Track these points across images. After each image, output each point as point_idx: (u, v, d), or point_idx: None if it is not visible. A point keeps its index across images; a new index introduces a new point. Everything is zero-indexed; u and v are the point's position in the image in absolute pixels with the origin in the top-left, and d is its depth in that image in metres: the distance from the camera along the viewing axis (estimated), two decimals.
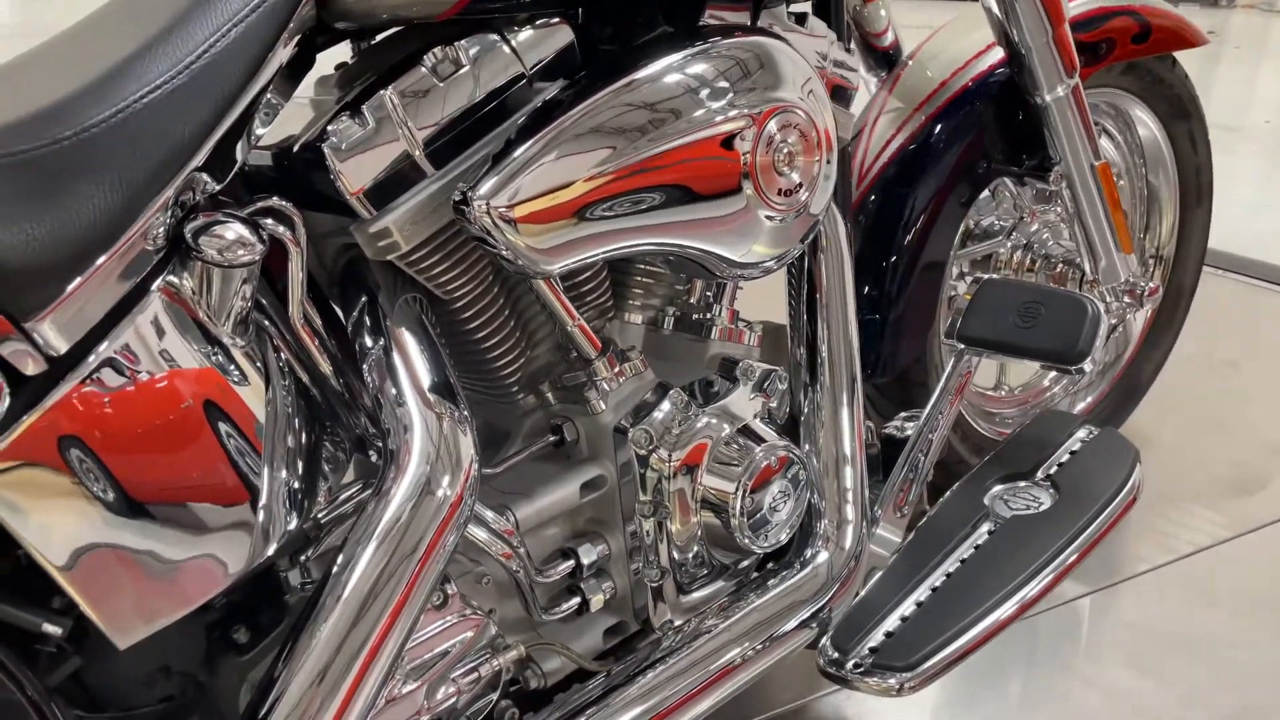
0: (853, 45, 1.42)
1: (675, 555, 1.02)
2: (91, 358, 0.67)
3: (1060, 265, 1.66)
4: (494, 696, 0.92)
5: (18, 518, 0.64)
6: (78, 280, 0.65)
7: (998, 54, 1.45)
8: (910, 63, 1.54)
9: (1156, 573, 1.66)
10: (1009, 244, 1.66)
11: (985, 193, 1.60)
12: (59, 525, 0.66)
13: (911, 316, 1.49)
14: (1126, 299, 1.63)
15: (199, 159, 0.72)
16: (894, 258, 1.47)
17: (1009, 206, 1.66)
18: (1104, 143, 1.73)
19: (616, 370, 1.00)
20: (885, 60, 1.57)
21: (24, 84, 0.72)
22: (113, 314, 0.68)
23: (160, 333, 0.70)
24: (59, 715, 0.71)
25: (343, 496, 0.85)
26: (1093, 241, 1.55)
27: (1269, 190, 3.48)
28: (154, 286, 0.70)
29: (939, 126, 1.48)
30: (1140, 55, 1.60)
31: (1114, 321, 1.83)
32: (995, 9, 1.38)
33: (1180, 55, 1.72)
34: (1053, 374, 1.84)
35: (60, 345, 0.65)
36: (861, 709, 1.37)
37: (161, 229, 0.71)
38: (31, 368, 0.63)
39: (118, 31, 0.73)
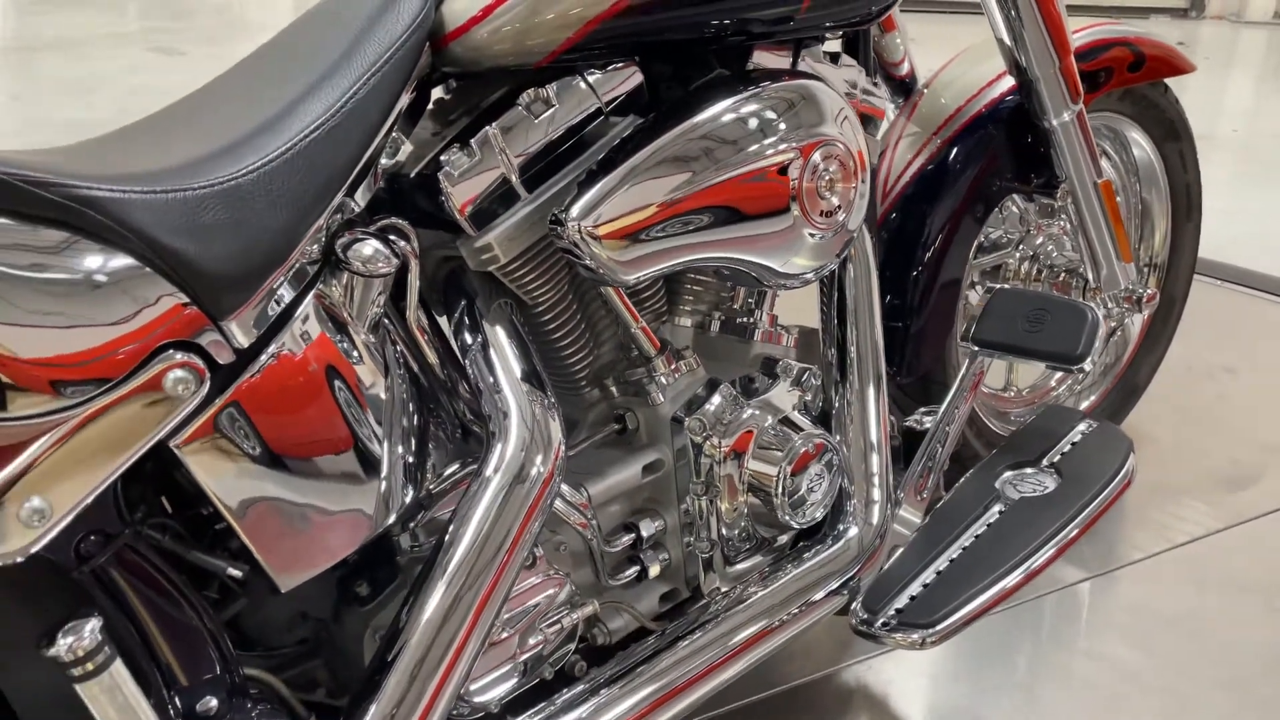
0: (878, 77, 1.57)
1: (723, 530, 1.17)
2: (265, 354, 0.81)
3: (1064, 274, 1.79)
4: (571, 647, 1.06)
5: (212, 479, 0.79)
6: (259, 288, 0.79)
7: (1007, 82, 1.58)
8: (926, 90, 1.67)
9: (1153, 559, 1.79)
10: (1017, 255, 1.80)
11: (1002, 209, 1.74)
12: (239, 487, 0.80)
13: (932, 324, 1.62)
14: (1126, 305, 1.76)
15: (347, 185, 0.86)
16: (915, 271, 1.60)
17: (1016, 221, 1.80)
18: (1104, 163, 1.87)
19: (673, 367, 1.14)
20: (902, 88, 1.70)
21: (208, 121, 0.86)
22: (281, 316, 0.82)
23: (315, 332, 0.84)
24: (229, 646, 0.85)
25: (448, 473, 0.99)
26: (1095, 252, 1.69)
27: (1237, 196, 3.60)
28: (310, 294, 0.85)
29: (955, 149, 1.61)
30: (1135, 82, 1.73)
31: (1114, 325, 1.98)
32: (1007, 40, 1.51)
33: None
34: (1058, 375, 1.98)
35: (245, 341, 0.79)
36: (880, 678, 1.51)
37: (317, 245, 0.85)
38: (224, 358, 0.77)
39: (280, 78, 0.87)
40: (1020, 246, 1.79)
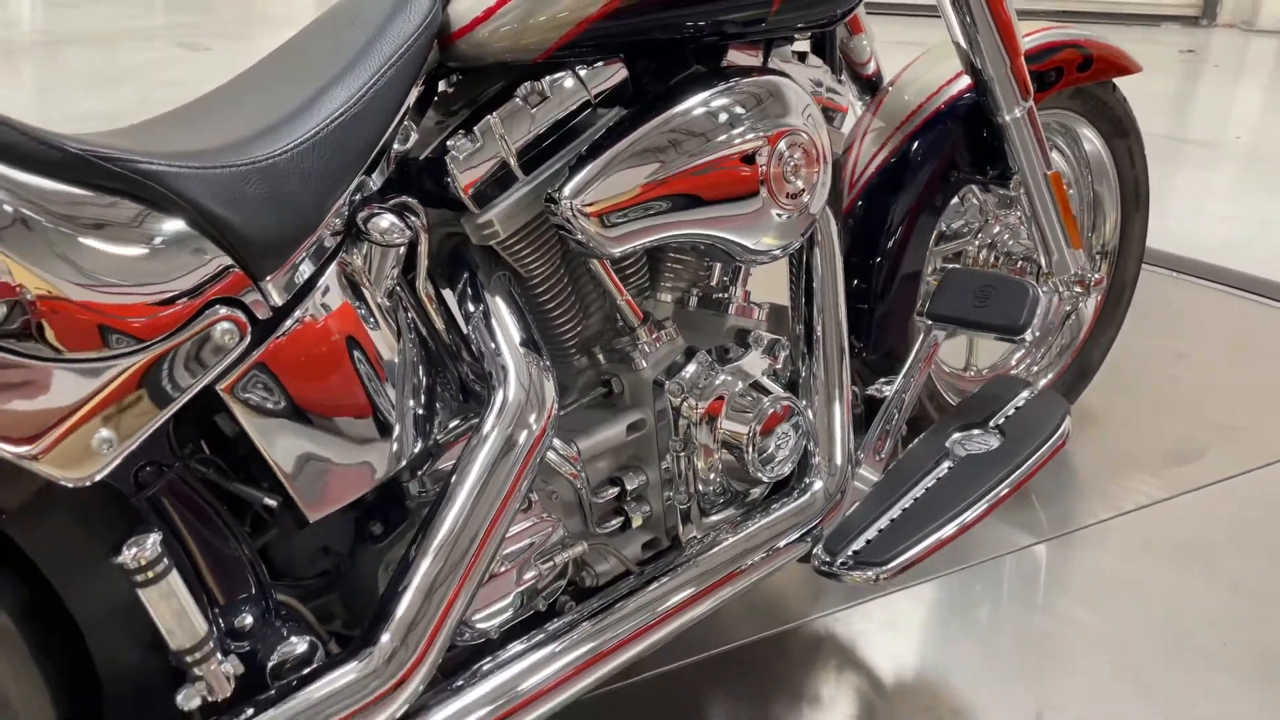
0: (843, 75, 1.69)
1: (700, 485, 1.29)
2: (296, 311, 0.92)
3: (1021, 261, 1.92)
4: (562, 584, 1.18)
5: (250, 420, 0.90)
6: (292, 254, 0.91)
7: (964, 81, 1.70)
8: (890, 88, 1.80)
9: (1103, 525, 1.92)
10: (976, 242, 1.93)
11: (955, 199, 1.86)
12: (273, 426, 0.91)
13: (896, 304, 1.73)
14: (1077, 288, 1.89)
15: (366, 166, 0.98)
16: (879, 257, 1.72)
17: (976, 211, 1.92)
18: (1055, 156, 1.99)
19: (654, 336, 1.26)
20: (869, 86, 1.83)
21: (247, 107, 0.97)
22: (310, 279, 0.93)
23: (338, 295, 0.96)
24: (263, 571, 0.97)
25: (452, 426, 1.11)
26: (1047, 239, 1.81)
27: (1235, 201, 3.76)
28: (335, 261, 0.96)
29: (916, 143, 1.73)
30: (1085, 82, 1.86)
31: (1069, 309, 2.12)
32: (963, 43, 1.64)
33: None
34: (1016, 355, 2.12)
35: (279, 300, 0.90)
36: (848, 629, 1.63)
37: (340, 219, 0.97)
38: (262, 314, 0.89)
39: (307, 70, 0.99)
40: (979, 235, 1.91)
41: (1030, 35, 1.76)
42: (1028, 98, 1.66)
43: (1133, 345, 2.29)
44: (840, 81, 1.44)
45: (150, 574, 0.83)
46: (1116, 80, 1.93)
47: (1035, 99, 1.70)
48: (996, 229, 1.92)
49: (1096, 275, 1.88)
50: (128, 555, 0.82)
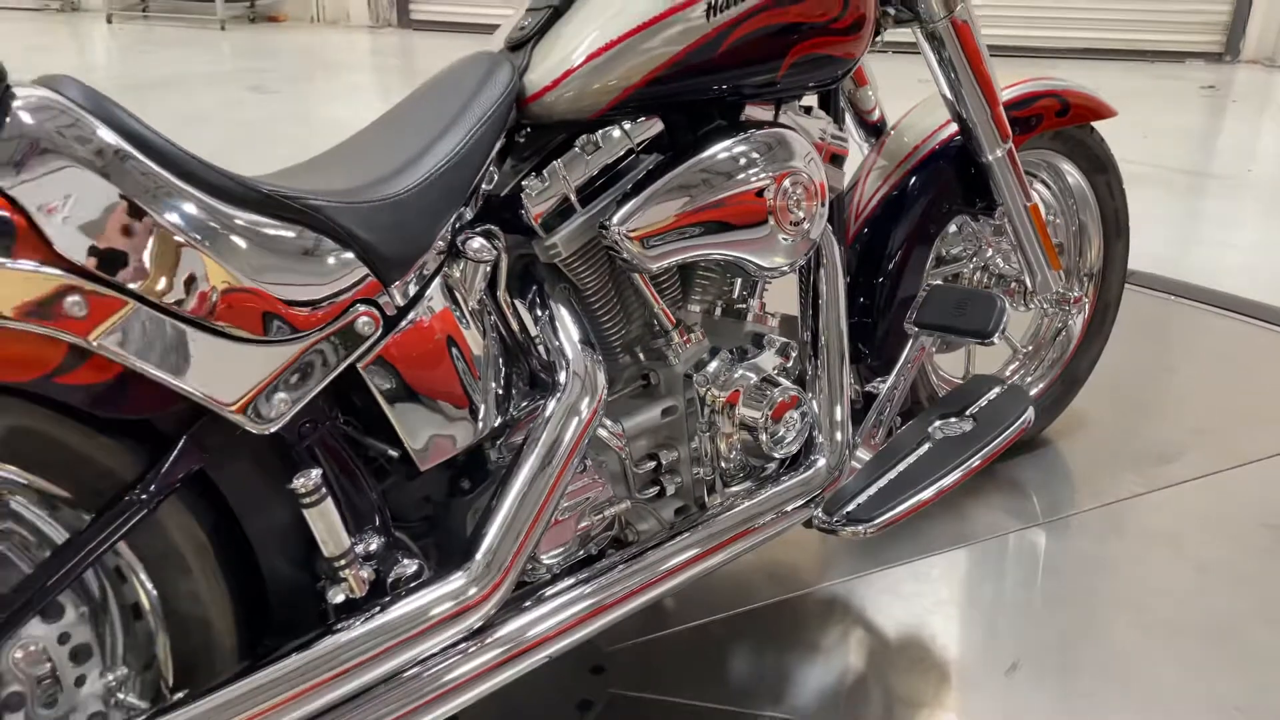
0: (847, 123, 1.98)
1: (721, 460, 1.57)
2: (412, 311, 1.23)
3: (1012, 282, 2.20)
4: (610, 534, 1.47)
5: (379, 390, 1.20)
6: (411, 268, 1.21)
7: (954, 127, 1.99)
8: (892, 132, 2.08)
9: (1086, 513, 2.17)
10: (972, 265, 2.20)
11: (954, 228, 2.14)
12: (395, 396, 1.21)
13: (895, 319, 2.00)
14: (1060, 305, 2.16)
15: (463, 201, 1.28)
16: (881, 278, 2.00)
17: (971, 238, 2.20)
18: (1041, 190, 2.26)
19: (685, 339, 1.55)
20: (874, 130, 2.11)
21: (376, 155, 1.28)
22: (422, 287, 1.24)
23: (442, 300, 1.26)
24: (386, 509, 1.26)
25: (523, 406, 1.40)
26: (1030, 263, 2.08)
27: (1238, 230, 3.99)
28: (440, 273, 1.27)
29: (913, 180, 2.00)
30: (1063, 126, 2.12)
31: (1059, 326, 2.38)
32: (949, 95, 1.92)
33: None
34: (1012, 366, 2.38)
35: (401, 303, 1.20)
36: (855, 594, 1.90)
37: (444, 241, 1.27)
38: (390, 312, 1.19)
39: (418, 127, 1.30)
40: (974, 259, 2.19)
41: (1013, 86, 2.04)
42: (1007, 140, 1.94)
43: (1121, 359, 2.54)
44: (841, 129, 1.73)
45: (314, 498, 1.13)
46: (1099, 123, 2.20)
47: (1018, 141, 1.98)
48: (990, 253, 2.18)
49: (1076, 294, 2.14)
50: (298, 483, 1.13)
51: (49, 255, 0.97)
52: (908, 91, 2.15)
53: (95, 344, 0.99)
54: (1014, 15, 7.16)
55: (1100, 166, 2.25)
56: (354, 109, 5.90)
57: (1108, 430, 2.47)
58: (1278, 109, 6.18)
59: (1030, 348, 2.39)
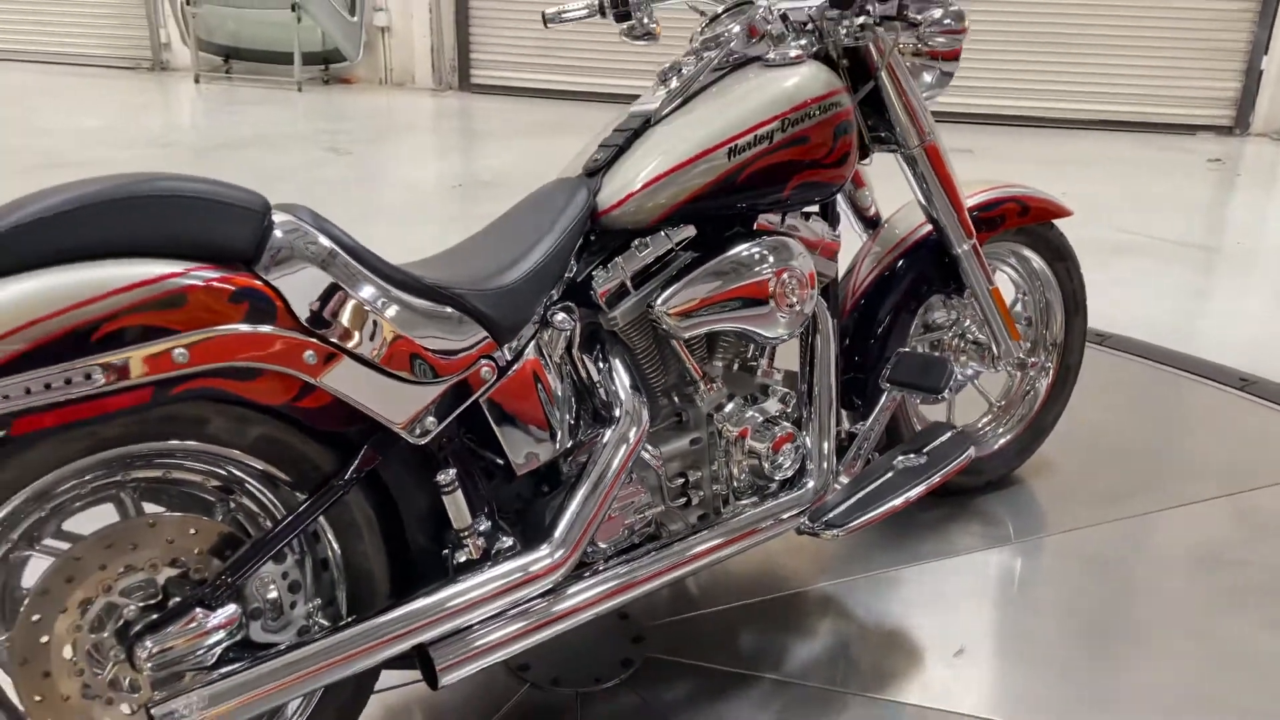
0: (849, 217, 2.50)
1: (734, 480, 2.09)
2: (515, 365, 1.76)
3: (984, 349, 2.69)
4: (649, 530, 1.99)
5: (493, 417, 1.74)
6: (516, 334, 1.75)
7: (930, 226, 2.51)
8: (885, 225, 2.60)
9: (1037, 540, 2.64)
10: (950, 333, 2.70)
11: (938, 304, 2.64)
12: (503, 420, 1.75)
13: (883, 375, 2.52)
14: (1020, 369, 2.65)
15: (552, 287, 1.83)
16: (872, 341, 2.51)
17: (951, 311, 2.70)
18: (1009, 273, 2.76)
19: (709, 388, 2.06)
20: (870, 223, 2.62)
21: (491, 253, 1.83)
22: (521, 348, 1.78)
23: (534, 357, 1.80)
24: (492, 502, 1.80)
25: (588, 433, 1.93)
26: (994, 334, 2.57)
27: (1209, 298, 4.41)
28: (534, 338, 1.81)
29: (900, 264, 2.50)
30: (1025, 224, 2.63)
31: (1027, 388, 2.87)
32: (922, 201, 2.44)
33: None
34: (985, 419, 2.87)
35: (509, 358, 1.73)
36: (843, 594, 2.40)
37: (538, 315, 1.81)
38: (501, 364, 1.72)
39: (519, 234, 1.85)
40: (953, 328, 2.69)
41: (980, 192, 2.55)
42: (971, 237, 2.44)
43: (1087, 416, 3.01)
44: (836, 230, 2.26)
45: (451, 488, 1.67)
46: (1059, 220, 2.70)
47: (985, 237, 2.48)
48: (966, 323, 2.68)
49: (1034, 359, 2.64)
50: (441, 477, 1.67)
51: (295, 324, 1.52)
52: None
53: (320, 382, 1.54)
54: (1030, 89, 7.63)
55: (1060, 256, 2.74)
56: (420, 170, 6.50)
57: (1069, 473, 2.94)
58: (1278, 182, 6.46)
59: (1003, 403, 2.88)
